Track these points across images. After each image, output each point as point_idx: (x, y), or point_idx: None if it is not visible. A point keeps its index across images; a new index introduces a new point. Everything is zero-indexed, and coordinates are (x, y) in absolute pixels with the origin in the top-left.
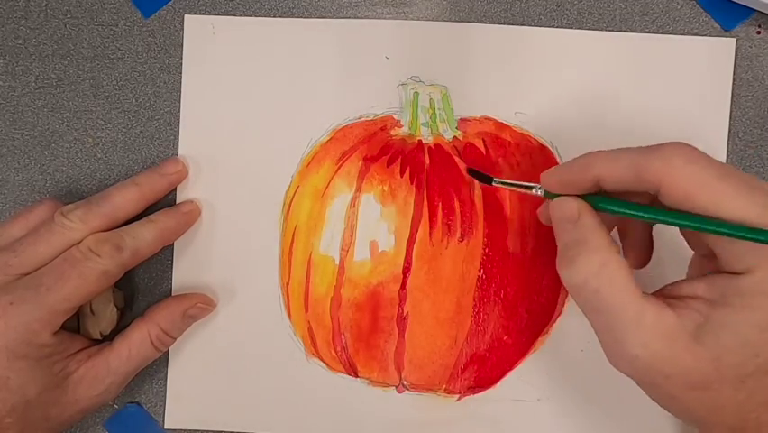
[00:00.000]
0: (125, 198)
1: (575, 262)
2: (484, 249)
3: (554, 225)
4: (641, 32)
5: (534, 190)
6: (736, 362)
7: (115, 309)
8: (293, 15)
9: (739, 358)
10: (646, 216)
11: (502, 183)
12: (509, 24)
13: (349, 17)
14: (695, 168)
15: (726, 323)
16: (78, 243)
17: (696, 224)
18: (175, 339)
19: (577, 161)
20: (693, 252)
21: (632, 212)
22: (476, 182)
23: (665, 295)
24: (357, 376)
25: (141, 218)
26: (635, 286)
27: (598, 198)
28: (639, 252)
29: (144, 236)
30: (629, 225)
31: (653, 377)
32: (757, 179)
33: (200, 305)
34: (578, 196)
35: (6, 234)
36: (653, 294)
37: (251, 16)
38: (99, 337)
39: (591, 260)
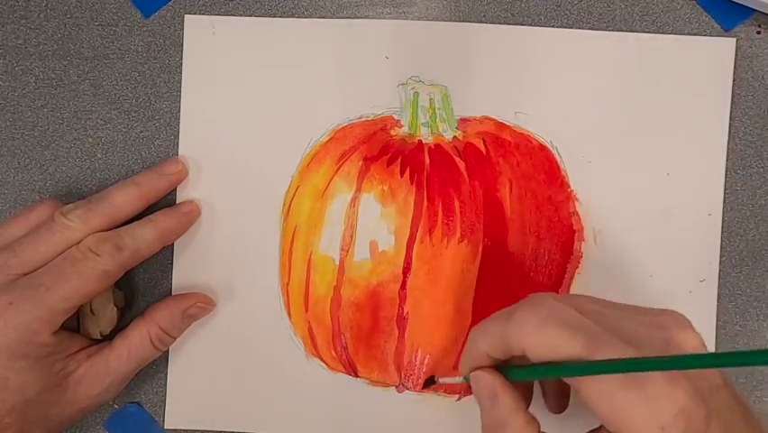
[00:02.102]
0: (125, 198)
1: None
2: (484, 249)
3: (478, 402)
4: (641, 32)
5: (457, 379)
6: None
7: (115, 309)
8: (293, 15)
9: None
10: (550, 373)
11: (443, 381)
12: (509, 24)
13: (349, 17)
14: (546, 329)
15: None
16: (78, 242)
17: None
18: (175, 339)
19: (468, 343)
20: None
21: (537, 375)
22: (476, 182)
23: None
24: (357, 376)
25: (141, 218)
26: None
27: (509, 368)
28: (557, 398)
29: (144, 236)
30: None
31: None
32: (605, 310)
33: (200, 305)
34: (493, 369)
35: (6, 233)
36: None
37: (251, 16)
38: (99, 337)
39: None
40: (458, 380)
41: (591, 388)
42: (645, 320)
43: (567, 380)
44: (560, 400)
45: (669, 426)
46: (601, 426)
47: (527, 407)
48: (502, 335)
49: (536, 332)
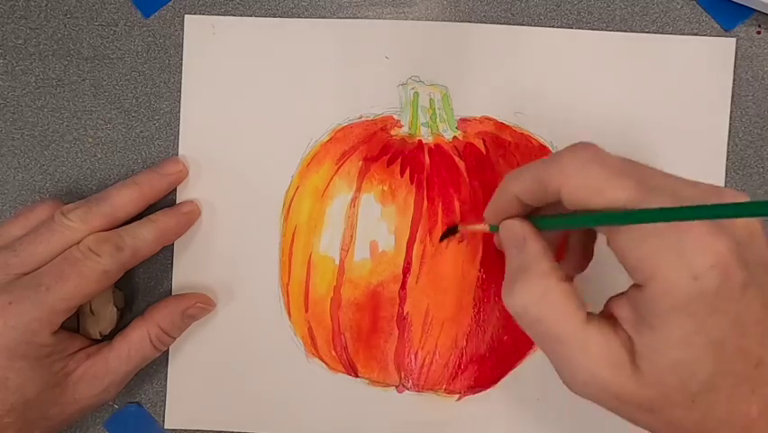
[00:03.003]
0: (125, 198)
1: (517, 286)
2: (484, 249)
3: (504, 250)
4: (641, 32)
5: (482, 227)
6: (676, 384)
7: (115, 309)
8: (293, 15)
9: (678, 380)
10: (586, 223)
11: (467, 228)
12: (509, 24)
13: (349, 17)
14: (588, 170)
15: (654, 347)
16: (78, 242)
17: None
18: (174, 339)
19: (498, 188)
20: None
21: (571, 223)
22: (476, 182)
23: (608, 314)
24: (357, 376)
25: (141, 218)
26: (580, 311)
27: (538, 217)
28: (579, 255)
29: (144, 236)
30: (569, 232)
31: (607, 401)
32: (647, 167)
33: (200, 305)
34: (523, 217)
35: (6, 233)
36: (601, 314)
37: (251, 16)
38: (99, 337)
39: (532, 288)
40: (483, 227)
41: (624, 236)
42: (701, 186)
43: (599, 229)
44: (582, 257)
45: (702, 275)
46: (628, 289)
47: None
48: (539, 177)
49: (579, 172)
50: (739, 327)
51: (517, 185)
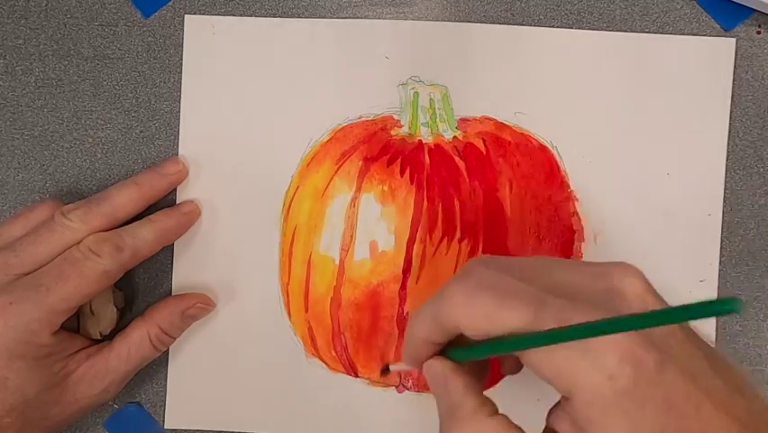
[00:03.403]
0: (125, 198)
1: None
2: (484, 249)
3: (431, 390)
4: (641, 32)
5: (409, 367)
6: None
7: (115, 309)
8: (293, 15)
9: None
10: (491, 351)
11: (394, 368)
12: (509, 24)
13: (349, 17)
14: (476, 299)
15: None
16: (78, 243)
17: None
18: (174, 339)
19: (406, 331)
20: None
21: (480, 353)
22: (476, 182)
23: (551, 431)
24: (357, 376)
25: (141, 218)
26: None
27: (453, 349)
28: (510, 360)
29: (144, 236)
30: None
31: None
32: (545, 267)
33: (199, 305)
34: (441, 351)
35: (6, 233)
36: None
37: (251, 16)
38: (99, 337)
39: (465, 431)
40: (406, 367)
41: (532, 353)
42: (588, 270)
43: (517, 355)
44: (513, 361)
45: (615, 374)
46: (560, 399)
47: (484, 387)
48: (434, 315)
49: (466, 304)
50: (672, 409)
51: (420, 328)
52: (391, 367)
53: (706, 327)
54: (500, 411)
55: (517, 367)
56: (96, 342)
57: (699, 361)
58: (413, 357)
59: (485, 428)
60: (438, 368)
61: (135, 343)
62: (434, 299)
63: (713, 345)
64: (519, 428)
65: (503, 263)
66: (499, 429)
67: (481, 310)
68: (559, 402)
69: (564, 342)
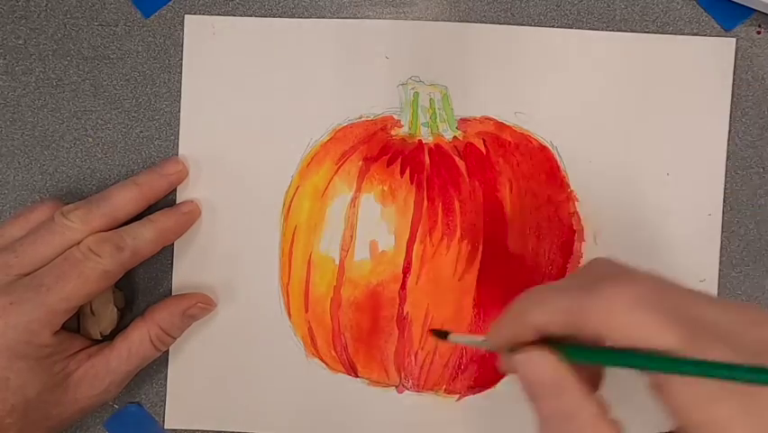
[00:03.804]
0: (125, 198)
1: None
2: (484, 249)
3: (525, 388)
4: (641, 32)
5: (481, 342)
6: None
7: (115, 309)
8: (293, 15)
9: None
10: (634, 363)
11: (458, 340)
12: (509, 24)
13: (349, 17)
14: (637, 314)
15: None
16: (79, 243)
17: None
18: (175, 339)
19: (511, 312)
20: None
21: (617, 361)
22: (476, 182)
23: None
24: (357, 376)
25: (141, 218)
26: None
27: (570, 347)
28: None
29: (144, 236)
30: None
31: None
32: (696, 297)
33: (200, 305)
34: (547, 344)
35: (6, 234)
36: None
37: (251, 16)
38: (99, 337)
39: None
40: (477, 342)
41: (683, 390)
42: (741, 313)
43: (649, 374)
44: (596, 378)
45: None
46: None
47: (486, 386)
48: (574, 309)
49: (627, 312)
50: None
51: (541, 316)
52: (452, 338)
53: None
54: (500, 411)
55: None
56: (97, 342)
57: None
58: (507, 339)
59: None
60: (549, 365)
61: (135, 343)
62: (576, 290)
63: None
64: None
65: (665, 282)
66: None
67: (641, 325)
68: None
69: (717, 378)
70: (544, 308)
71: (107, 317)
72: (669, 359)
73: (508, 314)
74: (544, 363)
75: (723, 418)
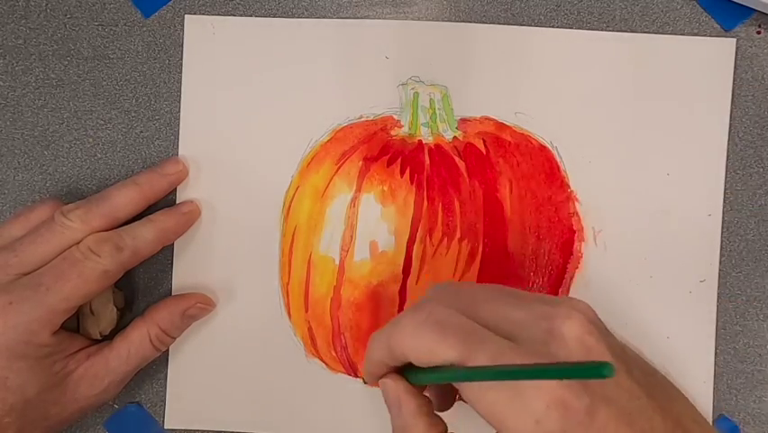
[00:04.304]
0: (125, 198)
1: None
2: (484, 249)
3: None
4: (641, 32)
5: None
6: None
7: (115, 309)
8: (293, 15)
9: None
10: (435, 378)
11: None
12: (509, 24)
13: (349, 17)
14: (421, 332)
15: None
16: (78, 242)
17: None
18: (174, 339)
19: (366, 352)
20: None
21: (427, 379)
22: (476, 182)
23: None
24: (357, 376)
25: (141, 218)
26: None
27: (409, 371)
28: (440, 397)
29: (144, 236)
30: None
31: None
32: (488, 308)
33: (200, 305)
34: (397, 374)
35: (6, 233)
36: None
37: (251, 16)
38: (99, 337)
39: None
40: (368, 383)
41: (469, 390)
42: (536, 309)
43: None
44: (443, 398)
45: (542, 418)
46: None
47: (435, 408)
48: (387, 342)
49: (413, 336)
50: None
51: (375, 351)
52: (365, 379)
53: (706, 328)
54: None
55: (447, 403)
56: (96, 342)
57: (639, 400)
58: (370, 375)
59: None
60: (392, 388)
61: (135, 343)
62: (389, 326)
63: (657, 371)
64: None
65: (456, 292)
66: None
67: (425, 345)
68: None
69: (488, 380)
70: (375, 345)
71: (107, 317)
72: (452, 370)
73: (365, 354)
74: (388, 386)
75: (494, 401)
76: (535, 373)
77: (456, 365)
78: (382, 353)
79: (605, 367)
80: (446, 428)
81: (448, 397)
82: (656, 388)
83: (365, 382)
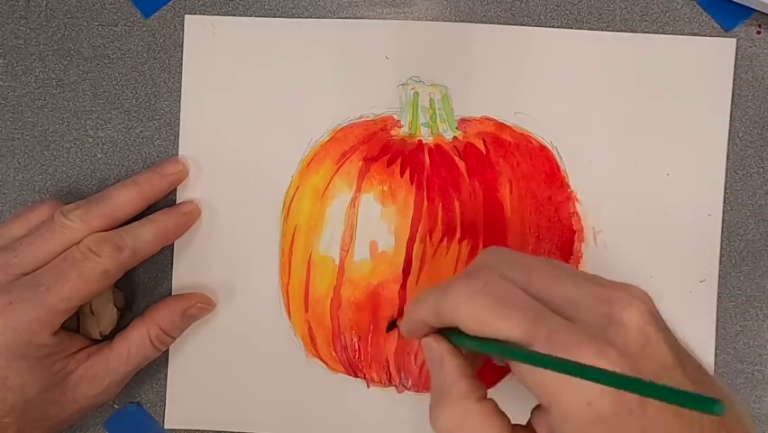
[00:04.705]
0: (125, 198)
1: (439, 412)
2: (484, 248)
3: (428, 366)
4: (641, 32)
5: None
6: None
7: (115, 309)
8: (293, 15)
9: None
10: (482, 348)
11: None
12: (509, 24)
13: (349, 17)
14: (475, 302)
15: None
16: (78, 242)
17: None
18: (174, 339)
19: (407, 311)
20: None
21: (473, 346)
22: (476, 182)
23: (531, 428)
24: (357, 376)
25: (141, 218)
26: (503, 429)
27: (453, 333)
28: (474, 357)
29: (144, 236)
30: None
31: None
32: (548, 287)
33: (199, 305)
34: (441, 331)
35: (7, 233)
36: (527, 426)
37: (251, 16)
38: (99, 337)
39: (453, 412)
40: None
41: (528, 370)
42: (593, 291)
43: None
44: (475, 358)
45: (595, 402)
46: (533, 415)
47: (477, 369)
48: (435, 306)
49: (467, 303)
50: None
51: (420, 312)
52: (399, 323)
53: (706, 328)
54: (502, 410)
55: (479, 364)
56: (96, 342)
57: None
58: (410, 333)
59: (472, 411)
60: (435, 348)
61: (135, 343)
62: (440, 290)
63: (705, 369)
64: (505, 414)
65: (513, 263)
66: (486, 414)
67: (479, 315)
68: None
69: (543, 368)
70: (419, 307)
71: (107, 317)
72: (509, 348)
73: (406, 312)
74: (432, 346)
75: (548, 378)
76: (624, 384)
77: (511, 343)
78: (427, 313)
79: (716, 405)
80: (485, 392)
81: (480, 357)
82: (705, 385)
83: (388, 329)
